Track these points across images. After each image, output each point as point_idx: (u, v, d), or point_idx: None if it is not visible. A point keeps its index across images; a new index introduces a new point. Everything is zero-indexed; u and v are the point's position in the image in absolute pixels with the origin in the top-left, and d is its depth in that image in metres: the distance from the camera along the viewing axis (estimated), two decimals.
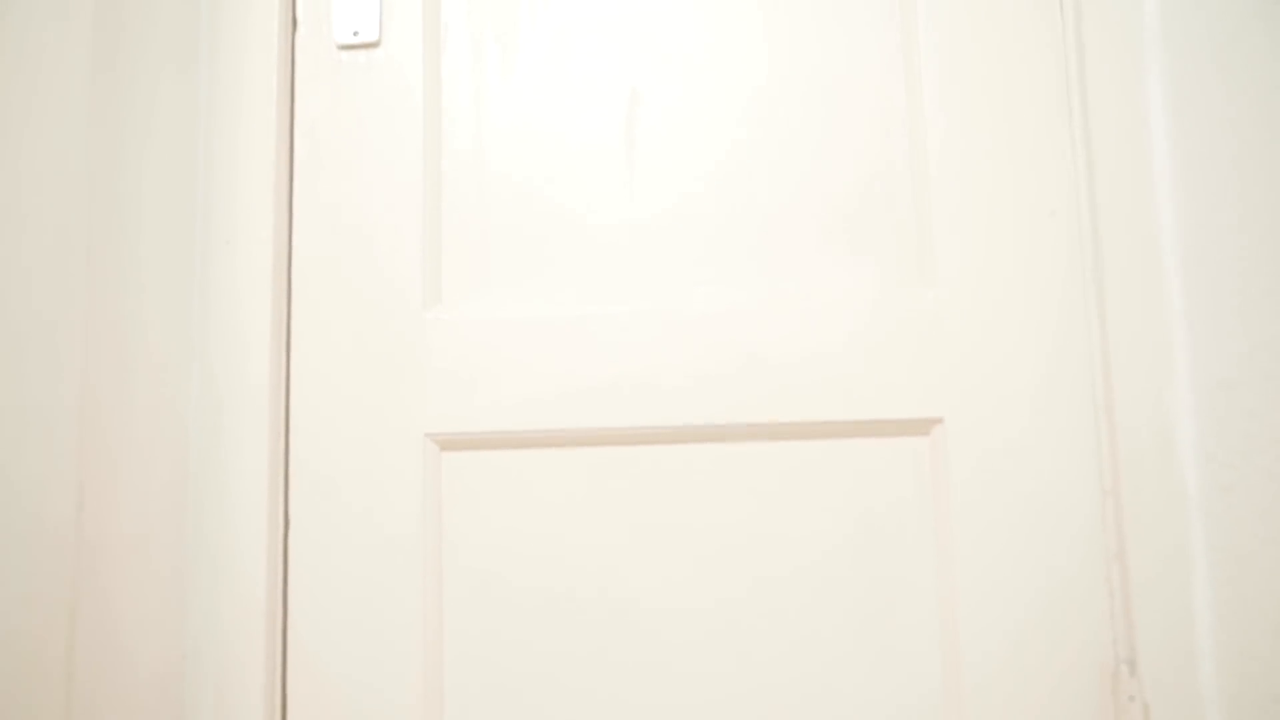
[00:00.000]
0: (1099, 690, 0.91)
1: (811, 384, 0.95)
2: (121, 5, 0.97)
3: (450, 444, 0.98)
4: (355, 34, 1.03)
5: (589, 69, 1.02)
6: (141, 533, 0.94)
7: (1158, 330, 0.90)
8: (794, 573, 0.95)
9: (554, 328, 0.98)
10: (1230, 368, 0.85)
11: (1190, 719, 0.88)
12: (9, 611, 0.88)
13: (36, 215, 0.92)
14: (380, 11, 1.03)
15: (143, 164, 0.97)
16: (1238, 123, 0.88)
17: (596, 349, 0.97)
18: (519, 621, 0.96)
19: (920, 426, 0.95)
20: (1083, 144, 0.95)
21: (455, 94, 1.03)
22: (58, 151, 0.92)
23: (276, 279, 1.00)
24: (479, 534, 0.97)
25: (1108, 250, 0.92)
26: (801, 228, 0.98)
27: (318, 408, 0.99)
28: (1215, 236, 0.87)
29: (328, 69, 1.03)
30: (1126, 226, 0.92)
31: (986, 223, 0.96)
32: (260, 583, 0.96)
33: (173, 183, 0.98)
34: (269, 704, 0.95)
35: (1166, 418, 0.90)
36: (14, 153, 0.93)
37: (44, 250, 0.92)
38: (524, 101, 1.02)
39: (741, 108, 1.00)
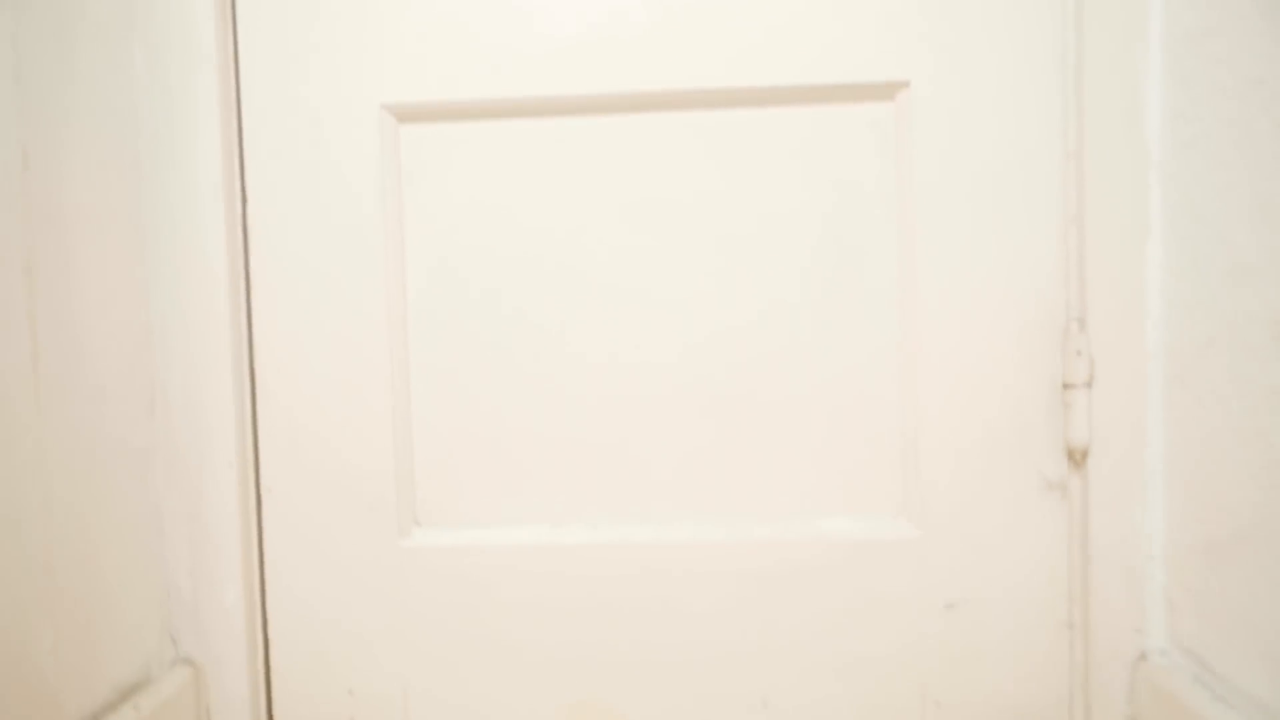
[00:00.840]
0: (1049, 346, 0.93)
1: (773, 47, 0.93)
2: None
3: (408, 115, 0.96)
4: None
5: None
6: (96, 202, 0.92)
7: None
8: (754, 245, 0.95)
9: None
10: (1204, 13, 0.82)
11: (1133, 370, 0.90)
12: None
13: None
14: None
15: None
16: None
17: (555, 11, 0.94)
18: (481, 299, 0.97)
19: (885, 91, 0.93)
20: None
21: None
22: None
23: None
24: (440, 210, 0.97)
25: None
26: None
27: (268, 78, 0.96)
28: None
29: None
30: None
31: None
32: (221, 260, 0.95)
33: None
34: (238, 381, 0.96)
35: (1135, 76, 0.88)
36: None
37: None
38: None
39: None
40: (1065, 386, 0.92)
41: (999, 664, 0.95)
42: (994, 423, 0.94)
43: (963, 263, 0.93)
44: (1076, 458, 0.92)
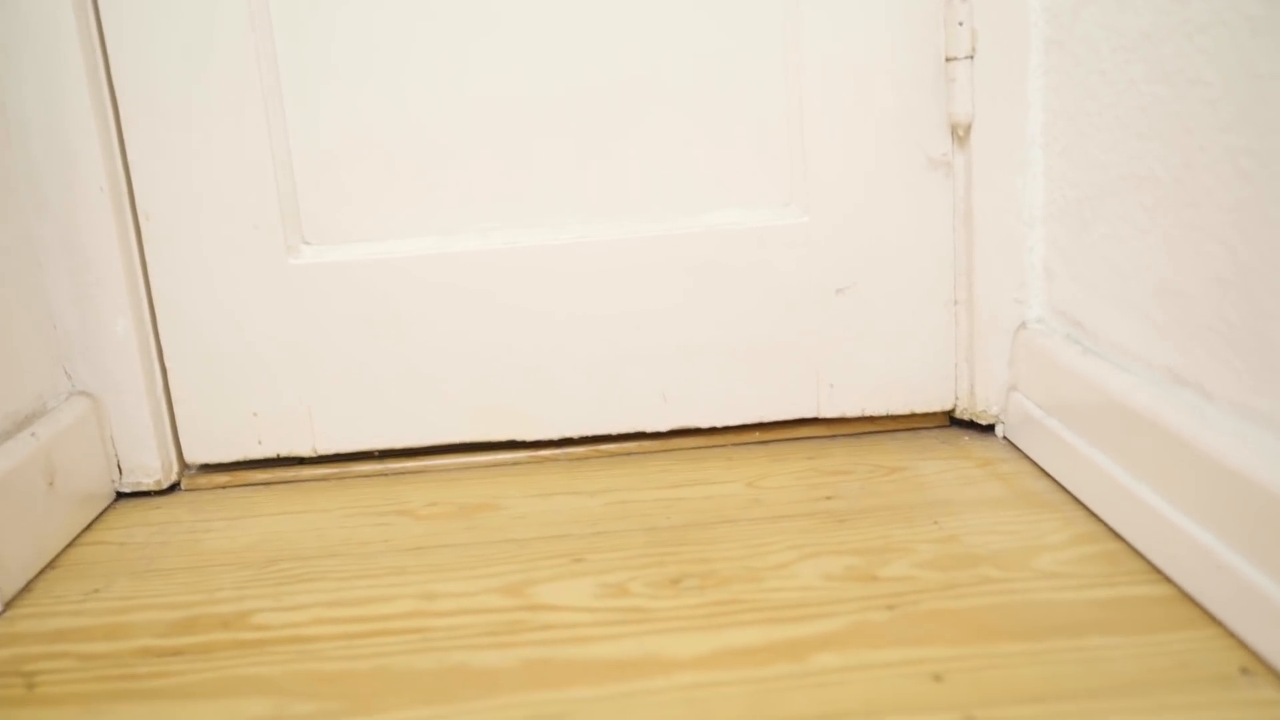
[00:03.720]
0: (932, 20, 0.92)
1: None
2: None
3: None
4: None
5: None
6: None
7: None
8: None
9: None
10: None
11: (1014, 37, 0.89)
12: None
13: None
14: None
15: None
16: None
17: None
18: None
19: None
20: None
21: None
22: None
23: None
24: None
25: None
26: None
27: None
28: None
29: None
30: None
31: None
32: None
33: None
34: (97, 98, 0.92)
35: None
36: None
37: None
38: None
39: None
40: (948, 60, 0.91)
41: (888, 344, 0.98)
42: (878, 104, 0.94)
43: None
44: (960, 133, 0.93)
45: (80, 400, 0.95)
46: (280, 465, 1.02)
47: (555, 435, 1.01)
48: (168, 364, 0.99)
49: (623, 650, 0.64)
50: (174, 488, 1.00)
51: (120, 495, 0.99)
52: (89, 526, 0.92)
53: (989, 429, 0.99)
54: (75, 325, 0.95)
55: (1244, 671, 0.57)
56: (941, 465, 0.91)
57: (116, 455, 0.98)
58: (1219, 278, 0.65)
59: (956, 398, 1.00)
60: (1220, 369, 0.65)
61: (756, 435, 1.02)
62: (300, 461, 1.02)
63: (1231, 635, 0.61)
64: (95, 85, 0.91)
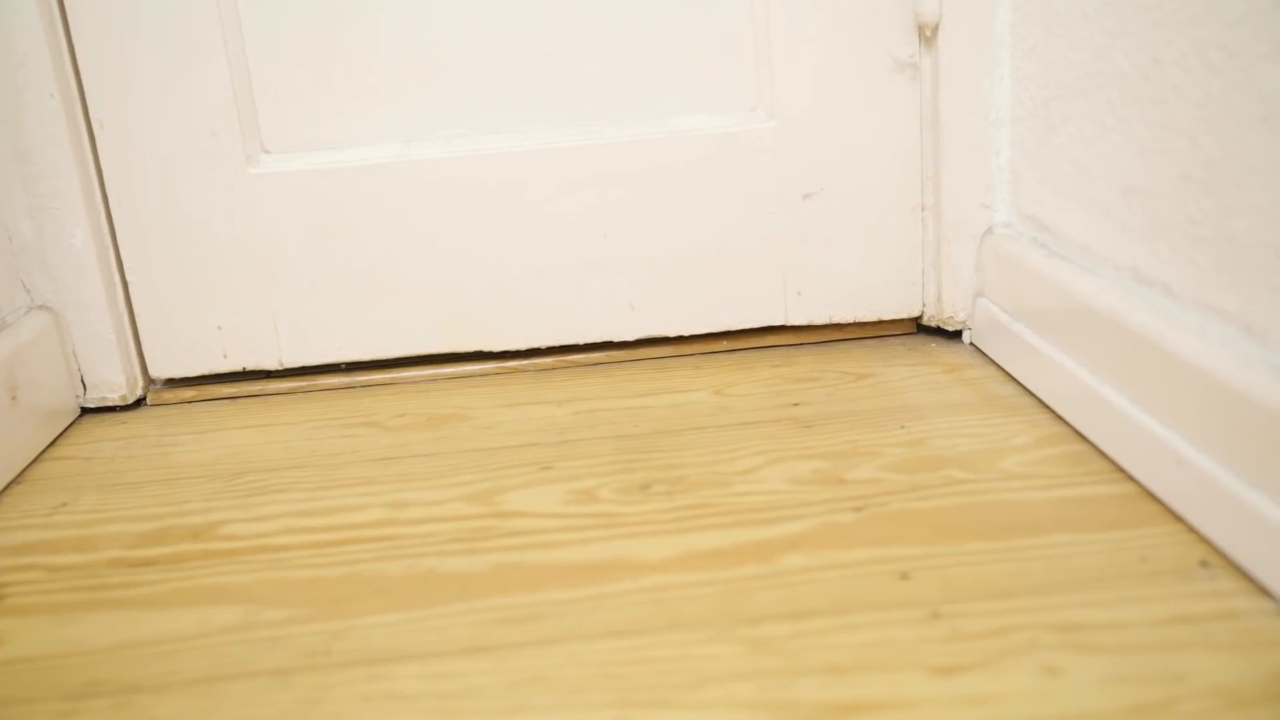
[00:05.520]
0: None
1: None
2: None
3: None
4: None
5: None
6: None
7: None
8: None
9: None
10: None
11: None
12: None
13: None
14: None
15: None
16: None
17: None
18: None
19: None
20: None
21: None
22: None
23: None
24: None
25: None
26: None
27: None
28: None
29: None
30: None
31: None
32: None
33: None
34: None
35: None
36: None
37: None
38: None
39: None
40: None
41: (856, 251, 0.98)
42: (844, 6, 0.92)
43: None
44: (927, 34, 0.91)
45: (40, 314, 0.94)
46: (246, 379, 1.01)
47: (523, 346, 1.01)
48: (128, 277, 0.97)
49: (592, 554, 0.65)
50: (139, 403, 0.99)
51: (85, 411, 0.98)
52: (54, 442, 0.91)
53: (956, 335, 0.99)
54: (31, 237, 0.93)
55: (1203, 564, 0.58)
56: (908, 371, 0.92)
57: (80, 370, 0.97)
58: (1185, 175, 0.65)
59: (924, 304, 1.00)
60: (1185, 267, 0.65)
61: (724, 344, 1.02)
62: (266, 375, 1.01)
63: (1192, 530, 0.62)
64: None
